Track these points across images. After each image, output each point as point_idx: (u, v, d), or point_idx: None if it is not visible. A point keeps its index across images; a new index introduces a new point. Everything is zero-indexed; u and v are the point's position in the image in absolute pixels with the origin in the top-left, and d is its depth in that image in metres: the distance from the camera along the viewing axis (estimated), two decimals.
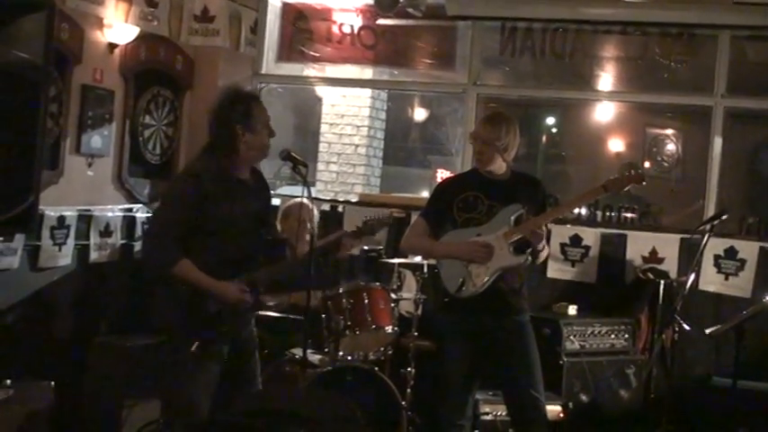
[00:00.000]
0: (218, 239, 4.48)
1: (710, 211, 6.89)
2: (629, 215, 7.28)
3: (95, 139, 6.59)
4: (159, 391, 5.09)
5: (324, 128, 10.76)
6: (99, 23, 6.58)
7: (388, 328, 5.76)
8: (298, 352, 5.57)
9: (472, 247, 4.92)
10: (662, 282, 6.56)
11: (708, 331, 5.62)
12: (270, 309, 5.67)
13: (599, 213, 7.30)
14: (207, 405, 4.47)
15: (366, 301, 5.70)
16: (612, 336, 6.55)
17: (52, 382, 5.63)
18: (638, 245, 6.92)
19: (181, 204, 4.45)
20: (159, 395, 5.32)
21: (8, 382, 5.38)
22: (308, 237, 4.70)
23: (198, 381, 4.47)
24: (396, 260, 6.21)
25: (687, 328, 5.71)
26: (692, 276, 5.83)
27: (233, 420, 3.19)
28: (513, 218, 4.92)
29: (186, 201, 4.43)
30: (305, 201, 4.93)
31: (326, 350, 5.75)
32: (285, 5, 8.25)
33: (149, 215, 6.99)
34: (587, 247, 6.99)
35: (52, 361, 6.03)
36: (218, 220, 4.46)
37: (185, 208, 4.42)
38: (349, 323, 5.62)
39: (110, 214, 6.74)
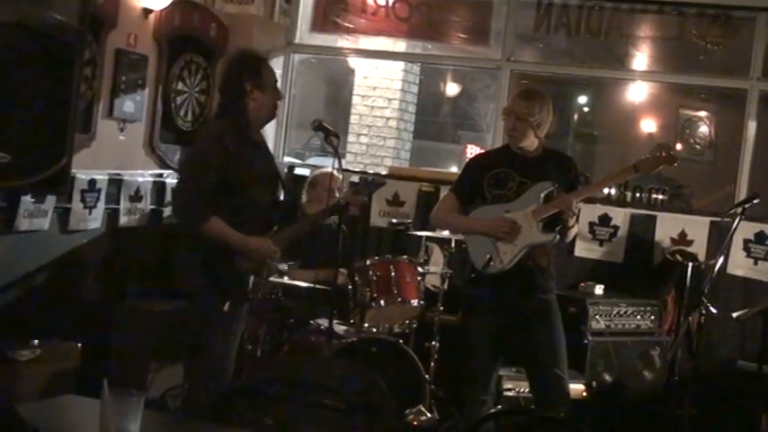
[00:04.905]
0: (240, 199, 4.53)
1: (742, 194, 6.84)
2: (659, 196, 7.22)
3: (128, 104, 6.61)
4: (186, 353, 5.10)
5: (356, 99, 10.75)
6: None
7: (414, 302, 5.78)
8: (323, 322, 5.60)
9: (498, 223, 4.91)
10: (690, 264, 6.53)
11: (735, 315, 5.61)
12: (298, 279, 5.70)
13: (629, 194, 7.25)
14: (232, 367, 4.56)
15: (393, 273, 5.72)
16: (638, 316, 6.52)
17: (79, 344, 5.70)
18: (667, 226, 6.87)
19: (207, 163, 4.49)
20: (185, 358, 5.35)
21: (36, 342, 5.45)
22: None
23: (229, 342, 4.56)
24: (423, 233, 6.20)
25: (714, 311, 5.68)
26: (721, 260, 5.80)
27: (256, 387, 3.20)
28: (542, 195, 4.90)
29: (212, 159, 4.47)
30: (333, 171, 4.96)
31: (352, 321, 5.77)
32: None
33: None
34: (616, 227, 6.95)
35: (79, 322, 6.07)
36: (242, 179, 4.51)
37: (211, 166, 4.46)
38: (375, 295, 5.65)
39: (140, 179, 6.76)
